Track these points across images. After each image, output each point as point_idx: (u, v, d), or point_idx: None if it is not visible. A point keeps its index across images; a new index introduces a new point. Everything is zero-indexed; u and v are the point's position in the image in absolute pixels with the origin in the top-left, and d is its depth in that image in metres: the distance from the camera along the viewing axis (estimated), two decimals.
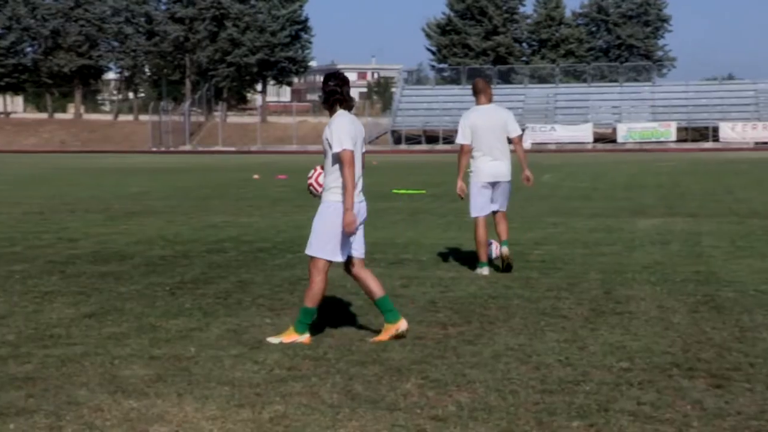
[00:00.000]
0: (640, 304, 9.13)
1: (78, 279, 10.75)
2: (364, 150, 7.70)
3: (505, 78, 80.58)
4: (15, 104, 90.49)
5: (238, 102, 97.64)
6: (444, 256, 12.62)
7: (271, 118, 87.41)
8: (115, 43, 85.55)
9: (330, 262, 7.66)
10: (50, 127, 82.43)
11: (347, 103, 7.63)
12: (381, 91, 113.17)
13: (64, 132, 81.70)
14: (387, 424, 5.50)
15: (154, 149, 74.69)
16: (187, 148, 76.17)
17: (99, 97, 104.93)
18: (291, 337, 7.54)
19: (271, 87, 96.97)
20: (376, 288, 7.75)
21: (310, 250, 7.73)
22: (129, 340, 7.62)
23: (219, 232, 15.64)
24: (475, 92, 11.44)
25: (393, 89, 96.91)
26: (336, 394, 6.09)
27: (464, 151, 11.30)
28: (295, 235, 15.19)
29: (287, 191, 26.08)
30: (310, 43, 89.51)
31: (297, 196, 24.42)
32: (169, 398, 5.98)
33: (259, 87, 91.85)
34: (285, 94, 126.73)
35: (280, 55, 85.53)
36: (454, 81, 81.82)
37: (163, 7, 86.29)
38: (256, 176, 33.39)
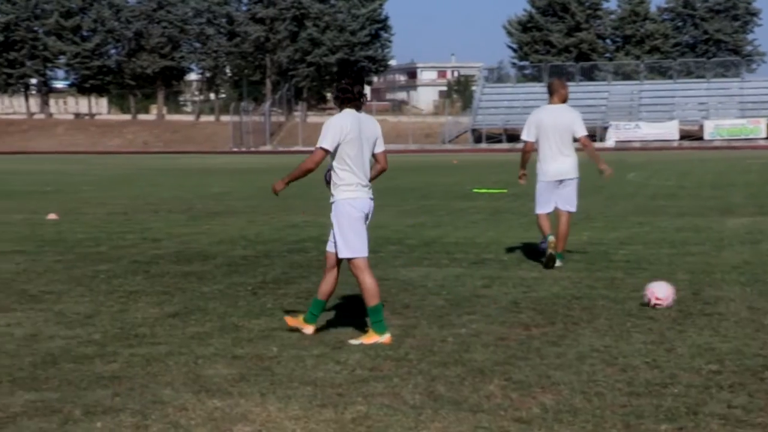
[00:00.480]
0: (730, 305, 8.96)
1: (162, 279, 10.92)
2: (380, 150, 7.90)
3: (588, 75, 79.77)
4: (99, 106, 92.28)
5: (318, 102, 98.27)
6: (526, 256, 12.53)
7: None
8: (197, 44, 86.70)
9: (363, 257, 7.79)
10: (133, 128, 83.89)
11: (356, 102, 7.78)
12: (461, 90, 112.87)
13: (146, 133, 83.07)
14: (470, 426, 5.48)
15: (235, 149, 75.54)
16: (268, 148, 76.89)
17: (181, 98, 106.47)
18: (372, 338, 7.60)
19: None
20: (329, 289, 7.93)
21: (343, 253, 7.81)
22: (212, 339, 7.71)
23: (300, 232, 15.75)
24: (550, 92, 11.82)
25: (473, 87, 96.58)
26: (418, 394, 6.09)
27: (526, 149, 11.86)
28: (376, 235, 15.21)
29: None
30: (390, 41, 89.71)
31: (378, 195, 24.49)
32: (252, 398, 6.04)
33: None
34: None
35: (360, 54, 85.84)
36: (536, 78, 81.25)
37: (244, 8, 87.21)
38: None
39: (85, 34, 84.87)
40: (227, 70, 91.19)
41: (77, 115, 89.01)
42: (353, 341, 7.61)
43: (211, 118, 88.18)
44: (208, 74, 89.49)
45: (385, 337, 7.60)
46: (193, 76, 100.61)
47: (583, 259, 12.13)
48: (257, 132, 78.80)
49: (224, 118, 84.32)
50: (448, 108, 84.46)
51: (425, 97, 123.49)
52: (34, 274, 11.20)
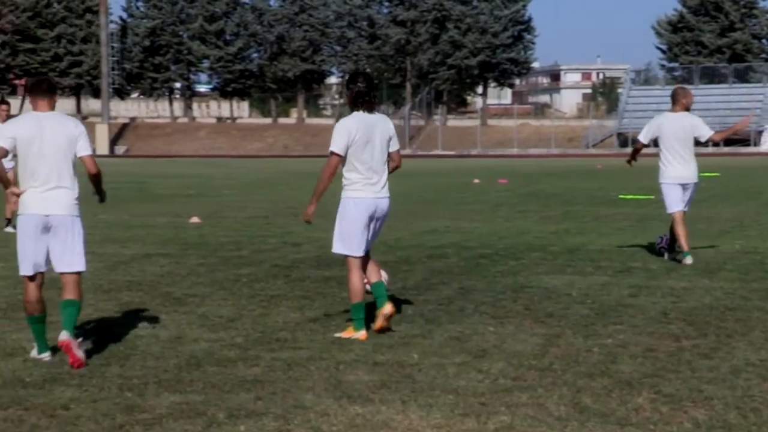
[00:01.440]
0: None
1: (302, 283, 11.09)
2: (394, 149, 8.45)
3: (742, 77, 77.52)
4: (241, 110, 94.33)
5: (458, 105, 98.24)
6: (675, 265, 12.26)
7: (491, 121, 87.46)
8: (338, 48, 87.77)
9: (353, 257, 8.32)
10: (274, 132, 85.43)
11: (368, 104, 8.31)
12: (606, 92, 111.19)
13: (287, 136, 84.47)
14: None
15: None
16: (407, 152, 77.24)
17: (321, 102, 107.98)
18: (349, 333, 8.14)
19: (492, 89, 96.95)
20: (360, 288, 8.33)
21: (336, 248, 8.45)
22: (353, 345, 7.79)
23: (440, 238, 15.77)
24: (673, 100, 12.87)
25: (619, 90, 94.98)
26: (563, 406, 6.03)
27: (637, 148, 13.12)
28: (518, 241, 15.14)
29: (509, 196, 26.03)
30: (533, 43, 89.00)
31: (519, 200, 24.34)
32: (393, 405, 6.08)
33: (479, 89, 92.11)
34: (506, 96, 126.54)
35: (502, 57, 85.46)
36: (686, 80, 79.29)
37: (385, 11, 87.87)
38: (476, 180, 33.48)
39: (228, 38, 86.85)
40: None
41: (219, 118, 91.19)
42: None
43: None
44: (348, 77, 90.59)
45: (361, 334, 8.08)
46: (333, 80, 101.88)
47: (736, 269, 11.80)
48: (396, 136, 79.17)
49: None
50: (592, 111, 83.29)
51: (568, 100, 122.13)
52: (178, 277, 11.52)
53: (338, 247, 8.42)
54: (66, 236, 7.39)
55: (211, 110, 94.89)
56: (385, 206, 8.44)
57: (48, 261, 7.45)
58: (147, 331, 8.33)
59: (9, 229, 16.95)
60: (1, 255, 13.26)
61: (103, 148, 76.65)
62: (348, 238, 8.33)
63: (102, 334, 8.23)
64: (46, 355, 7.39)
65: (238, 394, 6.34)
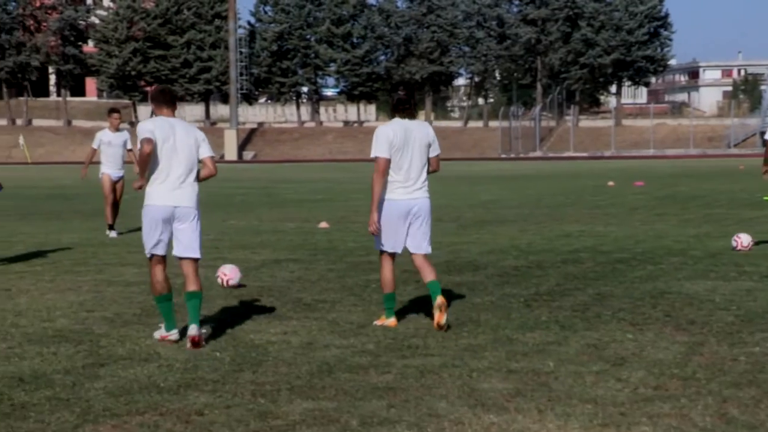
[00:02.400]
0: None
1: None
2: (433, 154, 9.09)
3: None
4: (368, 113, 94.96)
5: (591, 105, 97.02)
6: None
7: (625, 121, 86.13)
8: (466, 48, 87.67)
9: (387, 252, 9.07)
10: None
11: (408, 111, 9.07)
12: (748, 90, 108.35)
13: None
14: None
15: (504, 156, 75.81)
16: (538, 154, 76.68)
17: (448, 104, 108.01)
18: (382, 320, 9.01)
19: (626, 88, 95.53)
20: (426, 274, 9.10)
21: (376, 245, 9.20)
22: (486, 352, 7.76)
23: (574, 242, 15.60)
24: None
25: (762, 87, 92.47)
26: (708, 417, 5.89)
27: None
28: (656, 246, 14.87)
29: (645, 199, 25.59)
30: (670, 40, 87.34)
31: (657, 203, 23.91)
32: (529, 414, 6.03)
33: (613, 89, 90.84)
34: (641, 95, 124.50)
35: (637, 54, 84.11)
36: None
37: (515, 9, 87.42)
38: (610, 183, 33.02)
39: (355, 40, 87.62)
40: (496, 74, 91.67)
41: (346, 122, 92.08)
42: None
43: (479, 123, 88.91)
44: (476, 79, 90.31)
45: (391, 321, 8.98)
46: (461, 81, 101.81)
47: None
48: (527, 137, 78.77)
49: (493, 123, 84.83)
50: (733, 109, 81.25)
51: (708, 98, 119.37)
52: (308, 283, 11.66)
53: (377, 243, 9.15)
54: (189, 226, 8.47)
55: (338, 114, 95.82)
56: (423, 206, 9.07)
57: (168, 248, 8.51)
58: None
59: (113, 234, 17.44)
60: (133, 261, 13.64)
61: (231, 153, 78.24)
62: (384, 235, 9.02)
63: (234, 339, 8.38)
64: (173, 333, 8.34)
65: (370, 401, 6.38)
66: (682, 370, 7.05)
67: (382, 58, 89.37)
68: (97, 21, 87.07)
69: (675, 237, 16.03)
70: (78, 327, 8.96)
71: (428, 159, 9.10)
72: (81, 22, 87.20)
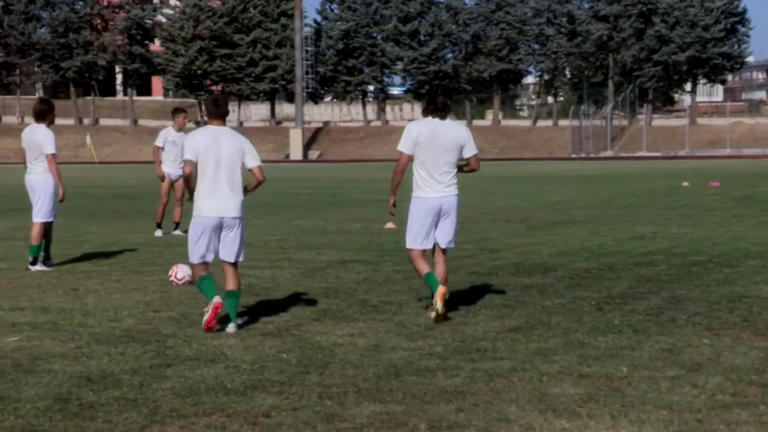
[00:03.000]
0: None
1: (501, 291, 11.06)
2: (469, 154, 9.68)
3: None
4: None
5: (664, 103, 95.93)
6: None
7: (700, 120, 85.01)
8: (536, 46, 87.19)
9: (416, 250, 9.63)
10: None
11: (439, 112, 9.61)
12: None
13: (481, 139, 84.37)
14: None
15: (574, 155, 75.29)
16: (609, 153, 76.01)
17: (517, 103, 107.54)
18: (435, 298, 9.17)
19: (702, 86, 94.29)
20: (437, 272, 9.56)
21: (406, 243, 9.78)
22: (556, 356, 7.72)
23: (647, 244, 15.45)
24: None
25: None
26: None
27: None
28: (733, 248, 14.67)
29: (721, 200, 25.25)
30: (748, 36, 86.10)
31: (734, 204, 23.59)
32: (602, 420, 5.98)
33: (687, 86, 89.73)
34: (717, 93, 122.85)
35: (713, 51, 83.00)
36: None
37: (586, 6, 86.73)
38: (685, 184, 32.64)
39: (422, 38, 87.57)
40: (566, 71, 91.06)
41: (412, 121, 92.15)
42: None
43: (549, 122, 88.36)
44: (546, 77, 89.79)
45: (439, 291, 9.15)
46: (530, 79, 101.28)
47: None
48: (597, 137, 78.10)
49: (562, 122, 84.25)
50: None
51: None
52: (374, 284, 11.69)
53: (407, 242, 9.74)
54: (234, 234, 9.17)
55: (404, 113, 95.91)
56: (452, 203, 9.67)
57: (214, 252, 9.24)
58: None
59: (177, 233, 17.63)
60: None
61: (296, 153, 78.67)
62: (413, 232, 9.67)
63: (300, 341, 8.43)
64: (216, 298, 8.95)
65: (438, 405, 6.37)
66: (761, 376, 6.96)
67: (450, 56, 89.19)
68: (163, 20, 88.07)
69: (753, 239, 15.80)
70: (145, 327, 9.08)
71: (466, 159, 9.75)
72: (147, 21, 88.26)
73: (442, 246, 9.73)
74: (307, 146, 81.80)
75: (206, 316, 8.88)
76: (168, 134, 17.96)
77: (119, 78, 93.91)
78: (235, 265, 9.25)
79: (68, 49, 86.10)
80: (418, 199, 9.63)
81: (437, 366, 7.44)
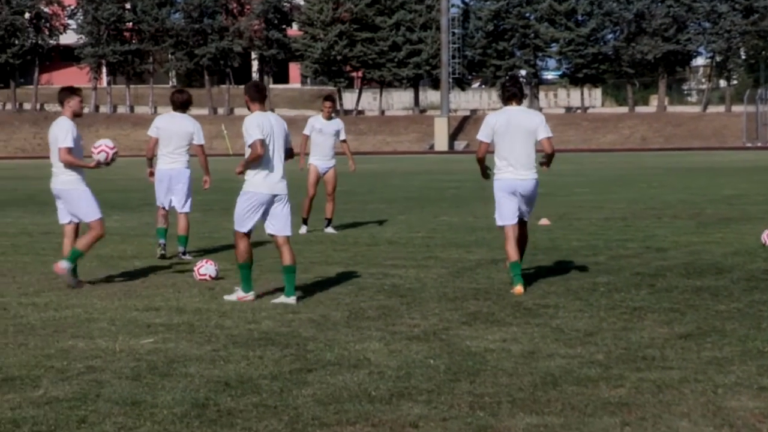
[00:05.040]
0: None
1: (669, 294, 10.87)
2: (542, 136, 11.46)
3: None
4: (593, 98, 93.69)
5: None
6: None
7: None
8: (706, 24, 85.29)
9: (506, 226, 11.44)
10: (630, 122, 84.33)
11: (516, 99, 11.54)
12: None
13: (645, 127, 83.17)
14: None
15: (749, 145, 73.46)
16: None
17: (685, 87, 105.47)
18: (513, 288, 11.05)
19: None
20: (512, 251, 11.35)
21: (496, 221, 11.64)
22: (733, 366, 7.55)
23: None
24: None
25: None
26: None
27: None
28: None
29: None
30: None
31: None
32: None
33: None
34: None
35: None
36: None
37: None
38: None
39: (579, 18, 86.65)
40: (741, 52, 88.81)
41: (568, 108, 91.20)
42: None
43: (721, 108, 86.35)
44: (718, 58, 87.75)
45: (517, 288, 10.98)
46: (699, 61, 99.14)
47: None
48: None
49: (736, 108, 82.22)
50: None
51: None
52: (527, 285, 11.61)
53: (497, 221, 11.60)
54: (284, 209, 10.84)
55: (559, 99, 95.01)
56: (530, 185, 11.49)
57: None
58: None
59: (330, 230, 17.77)
60: (340, 259, 13.95)
61: (442, 143, 78.78)
62: (498, 210, 11.53)
63: (449, 346, 8.43)
64: (251, 294, 10.76)
65: (601, 417, 6.30)
66: None
67: (610, 36, 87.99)
68: (301, 3, 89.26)
69: None
70: (284, 329, 9.22)
71: (541, 142, 11.51)
72: (285, 4, 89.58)
73: (525, 218, 11.72)
74: (453, 136, 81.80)
75: (236, 296, 10.83)
76: (315, 122, 17.85)
77: (255, 65, 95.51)
78: (288, 239, 10.89)
79: (203, 35, 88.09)
80: (498, 181, 11.50)
81: (599, 375, 7.36)
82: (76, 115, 11.95)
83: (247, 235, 10.91)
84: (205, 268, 12.32)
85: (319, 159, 17.87)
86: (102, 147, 11.88)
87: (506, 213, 11.47)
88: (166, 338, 8.90)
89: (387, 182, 34.96)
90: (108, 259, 14.30)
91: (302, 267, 13.17)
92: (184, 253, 14.40)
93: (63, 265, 11.75)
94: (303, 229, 17.64)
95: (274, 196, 10.75)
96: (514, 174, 11.39)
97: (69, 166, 11.73)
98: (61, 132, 11.69)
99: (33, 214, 21.93)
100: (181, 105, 14.37)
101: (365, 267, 13.30)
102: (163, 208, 14.67)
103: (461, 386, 7.13)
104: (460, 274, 12.61)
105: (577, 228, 18.06)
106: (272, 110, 11.42)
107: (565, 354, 8.09)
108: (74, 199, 11.91)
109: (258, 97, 10.72)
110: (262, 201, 10.75)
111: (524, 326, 9.25)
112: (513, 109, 11.50)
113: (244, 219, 10.82)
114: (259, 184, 10.70)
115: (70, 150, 11.67)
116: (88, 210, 11.96)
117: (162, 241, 14.52)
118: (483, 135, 11.51)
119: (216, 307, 10.45)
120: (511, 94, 11.54)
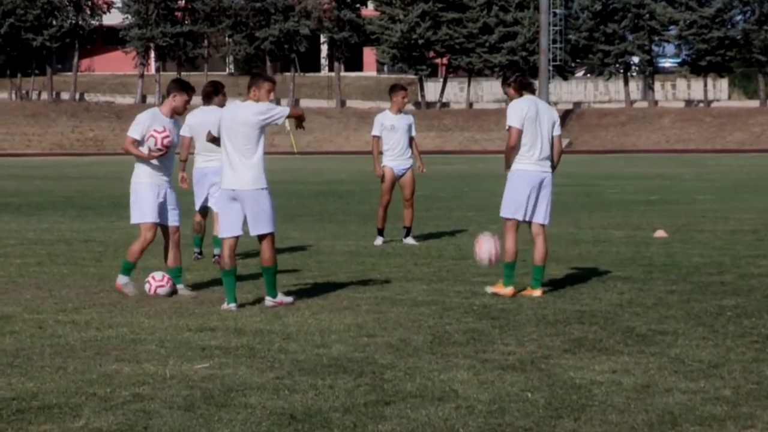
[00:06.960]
0: None
1: None
2: (556, 134, 12.49)
3: None
4: (718, 90, 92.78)
5: None
6: None
7: None
8: None
9: (512, 220, 12.40)
10: (762, 118, 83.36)
11: (530, 89, 12.52)
12: None
13: None
14: None
15: None
16: None
17: None
18: (498, 288, 12.30)
19: None
20: (536, 251, 12.62)
21: (501, 212, 12.53)
22: None
23: None
24: None
25: None
26: None
27: None
28: None
29: None
30: None
31: None
32: None
33: None
34: None
35: None
36: None
37: None
38: None
39: None
40: None
41: (689, 102, 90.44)
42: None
43: None
44: None
45: (508, 290, 12.20)
46: None
47: None
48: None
49: None
50: None
51: None
52: (641, 308, 11.56)
53: (503, 211, 12.45)
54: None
55: (678, 91, 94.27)
56: (550, 179, 12.47)
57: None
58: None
59: (410, 241, 17.72)
60: (421, 275, 13.98)
61: None
62: (510, 202, 12.36)
63: (549, 377, 8.41)
64: (232, 305, 11.53)
65: None
66: None
67: (739, 18, 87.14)
68: None
69: None
70: (357, 355, 9.26)
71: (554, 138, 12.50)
72: None
73: (534, 219, 12.51)
74: None
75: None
76: (384, 119, 17.61)
77: (324, 50, 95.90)
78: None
79: (265, 15, 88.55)
80: (521, 172, 12.32)
81: (726, 414, 7.32)
82: (176, 113, 12.66)
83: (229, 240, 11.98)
84: (160, 286, 12.60)
85: (394, 160, 17.63)
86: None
87: (519, 206, 12.35)
88: (222, 363, 8.97)
89: (475, 186, 34.95)
90: (154, 271, 14.45)
91: (377, 283, 13.24)
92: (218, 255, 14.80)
93: (120, 281, 12.54)
94: (378, 241, 17.66)
95: (233, 190, 11.71)
96: (539, 166, 12.38)
97: (138, 158, 12.51)
98: (134, 122, 12.56)
99: (71, 219, 22.19)
100: (206, 96, 15.22)
101: (451, 284, 13.31)
102: (202, 211, 15.59)
103: (564, 424, 7.12)
104: (562, 295, 12.57)
105: (700, 241, 17.91)
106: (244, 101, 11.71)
107: (685, 389, 8.04)
108: (131, 194, 12.61)
109: (260, 83, 11.74)
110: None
111: (637, 355, 9.20)
112: (534, 98, 12.55)
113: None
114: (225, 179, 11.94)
115: (134, 141, 12.39)
116: (134, 210, 12.37)
117: (197, 249, 15.50)
118: (516, 121, 12.21)
119: (279, 328, 10.51)
120: (528, 83, 12.51)
